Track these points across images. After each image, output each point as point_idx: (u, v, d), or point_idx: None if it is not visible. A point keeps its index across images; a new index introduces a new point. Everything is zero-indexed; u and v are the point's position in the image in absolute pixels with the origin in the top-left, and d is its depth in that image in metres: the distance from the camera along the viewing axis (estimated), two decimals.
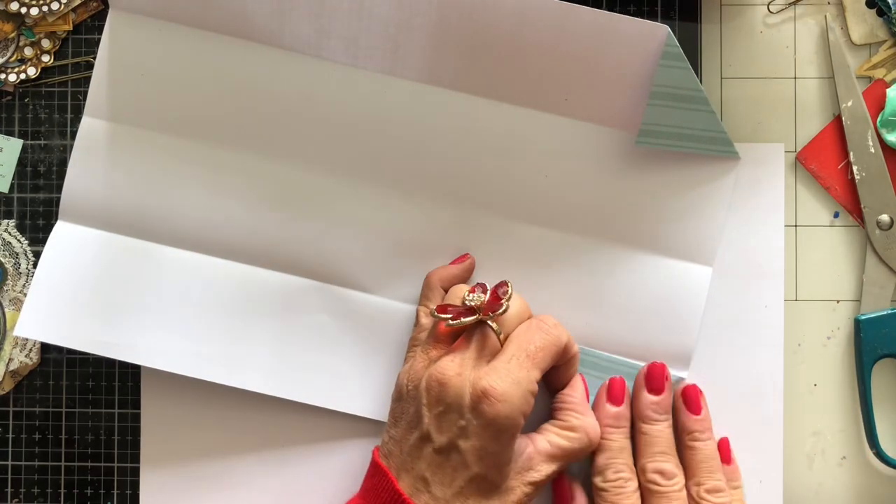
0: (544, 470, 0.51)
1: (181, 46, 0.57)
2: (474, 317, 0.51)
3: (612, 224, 0.56)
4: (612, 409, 0.54)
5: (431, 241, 0.57)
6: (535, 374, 0.50)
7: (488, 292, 0.52)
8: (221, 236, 0.57)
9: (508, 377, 0.49)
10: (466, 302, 0.52)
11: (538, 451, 0.52)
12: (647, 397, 0.54)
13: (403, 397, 0.52)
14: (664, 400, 0.54)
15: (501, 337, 0.51)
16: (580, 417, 0.53)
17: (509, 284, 0.52)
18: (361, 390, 0.56)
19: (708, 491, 0.53)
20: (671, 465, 0.53)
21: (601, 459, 0.53)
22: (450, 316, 0.51)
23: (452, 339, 0.53)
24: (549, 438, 0.52)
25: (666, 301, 0.56)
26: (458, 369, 0.50)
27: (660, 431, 0.54)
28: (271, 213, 0.57)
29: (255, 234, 0.57)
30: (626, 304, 0.56)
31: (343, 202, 0.57)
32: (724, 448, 0.55)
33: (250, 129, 0.57)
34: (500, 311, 0.51)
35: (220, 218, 0.57)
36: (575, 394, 0.54)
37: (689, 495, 0.53)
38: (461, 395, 0.49)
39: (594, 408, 0.55)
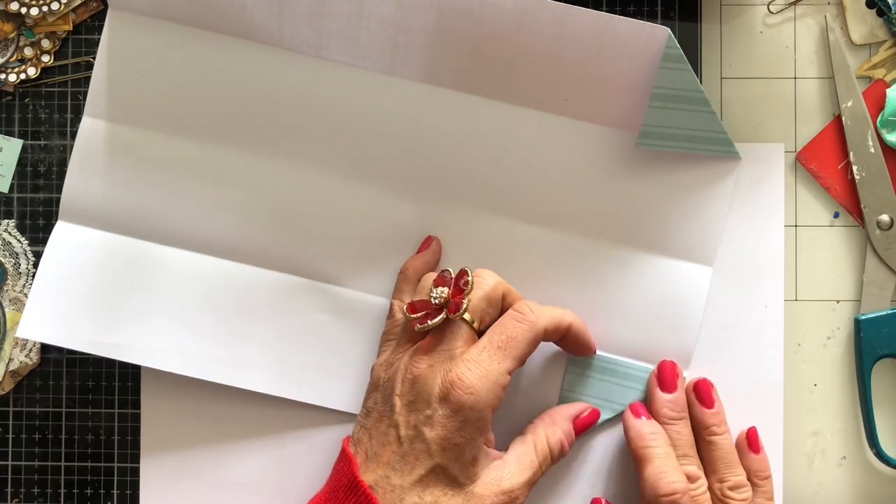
0: (515, 479, 0.51)
1: (180, 46, 0.57)
2: (440, 317, 0.51)
3: (612, 224, 0.56)
4: (666, 396, 0.54)
5: (431, 238, 0.57)
6: (507, 365, 0.50)
7: (451, 284, 0.52)
8: (221, 236, 0.57)
9: (477, 369, 0.50)
10: (432, 299, 0.52)
11: (504, 462, 0.52)
12: (662, 396, 0.54)
13: (378, 388, 0.53)
14: (679, 398, 0.54)
15: (476, 324, 0.51)
16: (538, 430, 0.53)
17: (469, 273, 0.52)
18: (363, 389, 0.56)
19: (732, 488, 0.53)
20: (694, 466, 0.53)
21: (649, 472, 0.52)
22: (420, 315, 0.52)
23: (424, 333, 0.53)
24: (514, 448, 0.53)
25: (666, 301, 0.56)
26: (430, 361, 0.51)
27: (678, 432, 0.54)
28: (271, 213, 0.57)
29: (255, 234, 0.57)
30: (626, 304, 0.56)
31: (342, 201, 0.57)
32: (752, 438, 0.55)
33: (250, 129, 0.57)
34: (462, 309, 0.51)
35: (220, 218, 0.57)
36: (558, 409, 0.55)
37: (713, 493, 0.53)
38: (431, 385, 0.50)
39: (650, 399, 0.55)
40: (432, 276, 0.54)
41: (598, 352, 0.56)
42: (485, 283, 0.52)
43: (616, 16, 0.53)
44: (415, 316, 0.52)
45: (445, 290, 0.51)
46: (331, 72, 0.56)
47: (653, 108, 0.54)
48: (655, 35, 0.53)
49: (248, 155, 0.57)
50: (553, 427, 0.53)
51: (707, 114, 0.54)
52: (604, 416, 0.56)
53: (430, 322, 0.51)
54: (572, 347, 0.54)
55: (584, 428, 0.55)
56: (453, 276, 0.52)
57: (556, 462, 0.53)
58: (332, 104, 0.56)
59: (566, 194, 0.56)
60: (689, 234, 0.56)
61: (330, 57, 0.56)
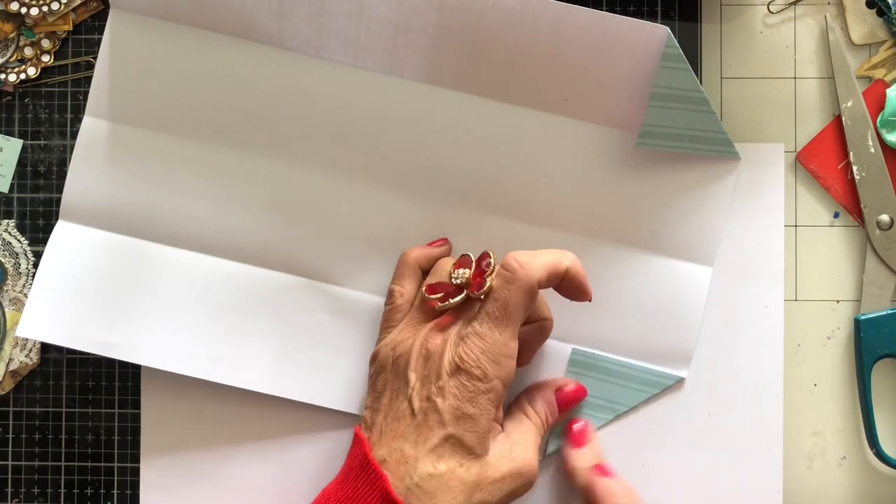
0: (524, 454, 0.52)
1: (181, 46, 0.57)
2: (461, 296, 0.51)
3: (612, 224, 0.56)
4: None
5: (431, 240, 0.57)
6: (509, 333, 0.50)
7: (473, 265, 0.52)
8: (221, 236, 0.57)
9: (480, 343, 0.50)
10: (453, 280, 0.52)
11: (509, 436, 0.52)
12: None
13: (386, 368, 0.52)
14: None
15: (521, 294, 0.51)
16: (525, 406, 0.54)
17: (492, 255, 0.51)
18: (363, 389, 0.56)
19: None
20: None
21: None
22: (440, 296, 0.52)
23: (440, 312, 0.53)
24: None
25: (666, 301, 0.56)
26: (444, 336, 0.51)
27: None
28: (271, 213, 0.57)
29: (255, 234, 0.57)
30: (627, 305, 0.56)
31: (342, 202, 0.57)
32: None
33: (250, 129, 0.57)
34: (485, 288, 0.50)
35: (220, 217, 0.57)
36: (539, 385, 0.55)
37: None
38: (443, 360, 0.50)
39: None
40: (450, 261, 0.54)
41: (597, 352, 0.56)
42: (522, 273, 0.51)
43: (616, 15, 0.53)
44: (434, 296, 0.52)
45: (467, 271, 0.51)
46: (331, 72, 0.56)
47: (653, 108, 0.54)
48: (655, 35, 0.53)
49: (248, 154, 0.57)
50: (539, 401, 0.54)
51: (707, 114, 0.54)
52: (604, 417, 0.56)
53: (451, 301, 0.51)
54: (569, 293, 0.53)
55: (569, 403, 0.55)
56: (474, 259, 0.52)
57: (545, 435, 0.55)
58: (332, 104, 0.56)
59: (566, 194, 0.56)
60: (689, 234, 0.56)
61: (330, 57, 0.56)
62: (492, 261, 0.51)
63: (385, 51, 0.55)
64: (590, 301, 0.52)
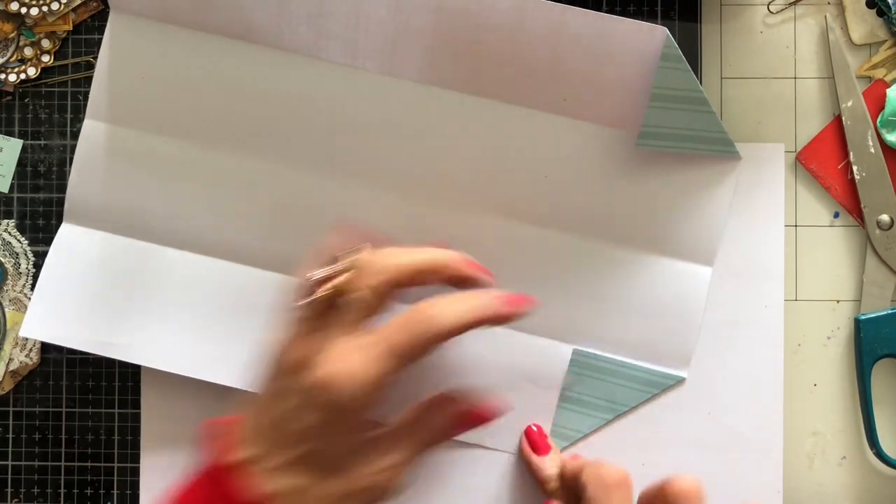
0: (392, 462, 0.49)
1: (181, 48, 0.57)
2: (317, 294, 0.48)
3: (612, 224, 0.56)
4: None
5: (431, 240, 0.57)
6: (388, 365, 0.47)
7: (338, 261, 0.49)
8: (222, 237, 0.57)
9: (353, 363, 0.46)
10: (314, 277, 0.48)
11: (378, 446, 0.50)
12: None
13: (271, 373, 0.49)
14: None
15: (366, 293, 0.47)
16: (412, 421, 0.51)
17: (361, 251, 0.48)
18: None
19: None
20: None
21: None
22: (304, 294, 0.49)
23: (317, 314, 0.49)
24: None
25: (666, 301, 0.56)
26: (310, 344, 0.47)
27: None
28: (271, 214, 0.57)
29: (256, 236, 0.57)
30: (627, 305, 0.56)
31: (343, 203, 0.57)
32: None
33: (250, 131, 0.57)
34: (328, 288, 0.47)
35: (220, 219, 0.57)
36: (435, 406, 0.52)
37: None
38: (307, 373, 0.47)
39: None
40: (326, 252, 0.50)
41: (598, 352, 0.56)
42: (381, 256, 0.48)
43: (615, 16, 0.53)
44: (302, 301, 0.49)
45: (329, 269, 0.48)
46: (329, 73, 0.56)
47: (653, 109, 0.54)
48: (654, 35, 0.53)
49: (247, 156, 0.57)
50: (427, 422, 0.51)
51: (707, 113, 0.54)
52: (604, 417, 0.56)
53: (305, 300, 0.48)
54: (456, 284, 0.50)
55: (477, 422, 0.52)
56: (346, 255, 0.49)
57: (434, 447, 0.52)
58: (331, 105, 0.56)
59: (566, 194, 0.56)
60: (689, 234, 0.56)
61: (329, 58, 0.56)
62: (354, 258, 0.48)
63: (384, 52, 0.55)
64: (491, 283, 0.50)
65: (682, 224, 0.56)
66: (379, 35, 0.55)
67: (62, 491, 0.59)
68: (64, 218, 0.57)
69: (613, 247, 0.56)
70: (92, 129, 0.57)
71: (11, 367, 0.58)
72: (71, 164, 0.58)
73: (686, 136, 0.54)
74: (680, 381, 0.56)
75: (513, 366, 0.57)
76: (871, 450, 0.56)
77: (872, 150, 0.56)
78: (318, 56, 0.56)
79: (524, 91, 0.56)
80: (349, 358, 0.47)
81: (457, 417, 0.51)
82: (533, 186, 0.56)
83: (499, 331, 0.56)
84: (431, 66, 0.56)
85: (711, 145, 0.55)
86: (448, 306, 0.48)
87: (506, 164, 0.56)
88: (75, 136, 0.58)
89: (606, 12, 0.53)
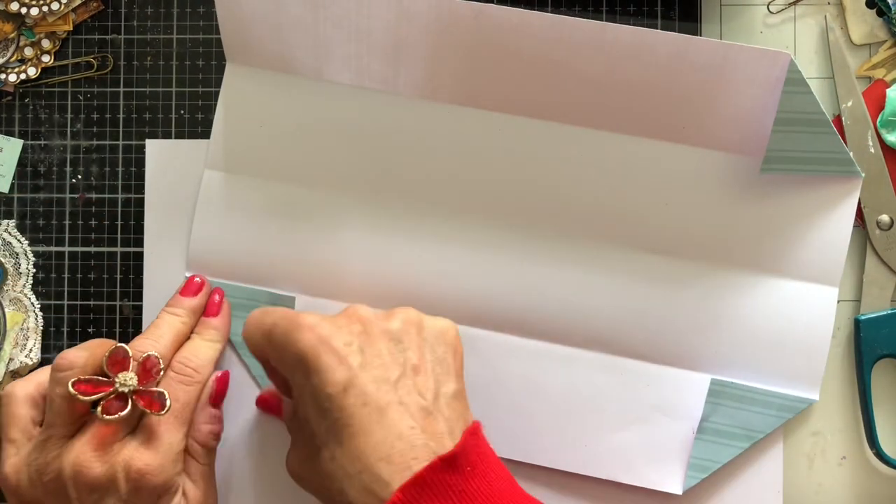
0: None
1: (296, 97, 0.57)
2: (128, 409, 0.47)
3: (736, 249, 0.56)
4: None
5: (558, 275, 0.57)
6: (182, 431, 0.49)
7: (134, 367, 0.48)
8: (342, 281, 0.57)
9: (160, 449, 0.48)
10: (118, 387, 0.48)
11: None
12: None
13: (37, 492, 0.48)
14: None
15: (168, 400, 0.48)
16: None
17: (155, 355, 0.49)
18: None
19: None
20: None
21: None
22: (100, 402, 0.47)
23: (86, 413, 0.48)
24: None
25: (795, 324, 0.55)
26: (107, 457, 0.47)
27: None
28: (394, 255, 0.57)
29: (380, 278, 0.57)
30: (757, 330, 0.55)
31: (471, 241, 0.57)
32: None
33: (369, 175, 0.57)
34: (166, 408, 0.48)
35: (341, 263, 0.57)
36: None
37: None
38: (115, 479, 0.47)
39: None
40: (104, 347, 0.48)
41: (734, 380, 0.55)
42: (197, 376, 0.51)
43: (737, 44, 0.52)
44: (90, 398, 0.47)
45: (132, 376, 0.48)
46: (445, 114, 0.56)
47: (776, 133, 0.53)
48: (777, 60, 0.52)
49: (364, 203, 0.57)
50: (194, 428, 0.52)
51: (829, 135, 0.53)
52: (741, 445, 0.55)
53: (119, 415, 0.47)
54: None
55: (220, 396, 0.54)
56: (131, 356, 0.48)
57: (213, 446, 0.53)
58: (448, 145, 0.57)
59: (688, 221, 0.56)
60: (814, 255, 0.55)
61: (442, 100, 0.56)
62: (160, 364, 0.49)
63: (500, 92, 0.55)
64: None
65: (807, 245, 0.55)
66: (497, 76, 0.55)
67: None
68: (186, 268, 0.57)
69: (739, 272, 0.56)
70: (212, 180, 0.57)
71: (11, 367, 0.58)
72: (71, 164, 0.58)
73: (809, 158, 0.54)
74: (811, 404, 0.55)
75: (644, 398, 0.56)
76: (871, 450, 0.56)
77: (872, 151, 0.56)
78: (433, 99, 0.56)
79: (643, 121, 0.55)
80: (161, 449, 0.48)
81: (220, 388, 0.54)
82: (655, 215, 0.56)
83: (629, 363, 0.56)
84: (556, 103, 0.55)
85: (834, 166, 0.54)
86: (199, 357, 0.52)
87: (626, 193, 0.56)
88: (75, 136, 0.58)
89: (606, 12, 0.53)
